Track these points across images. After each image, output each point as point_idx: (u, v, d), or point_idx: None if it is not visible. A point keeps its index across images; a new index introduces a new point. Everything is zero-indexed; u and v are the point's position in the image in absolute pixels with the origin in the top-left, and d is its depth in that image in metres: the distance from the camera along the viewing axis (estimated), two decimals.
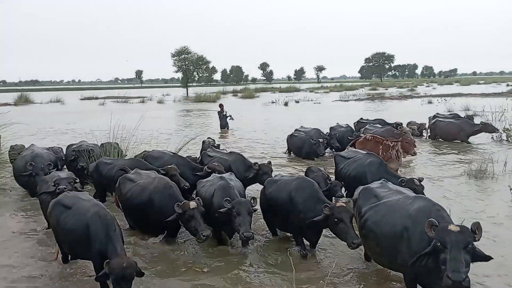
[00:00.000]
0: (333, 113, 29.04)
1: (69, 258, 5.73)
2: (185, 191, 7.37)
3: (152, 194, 6.40)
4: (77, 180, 6.62)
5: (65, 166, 10.48)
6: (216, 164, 8.17)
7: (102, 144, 10.89)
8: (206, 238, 5.59)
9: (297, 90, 75.59)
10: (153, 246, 6.38)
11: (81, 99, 58.82)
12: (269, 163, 8.60)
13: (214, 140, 12.38)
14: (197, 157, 10.95)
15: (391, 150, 10.17)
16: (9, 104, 45.02)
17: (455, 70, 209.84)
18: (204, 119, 28.76)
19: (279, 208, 6.22)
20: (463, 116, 17.42)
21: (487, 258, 4.02)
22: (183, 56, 72.27)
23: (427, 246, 4.14)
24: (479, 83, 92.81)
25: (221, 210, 5.81)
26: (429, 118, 17.50)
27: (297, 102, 45.10)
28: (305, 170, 8.82)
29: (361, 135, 12.57)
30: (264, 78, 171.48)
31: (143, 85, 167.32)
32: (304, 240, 6.09)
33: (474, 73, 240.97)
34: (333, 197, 7.37)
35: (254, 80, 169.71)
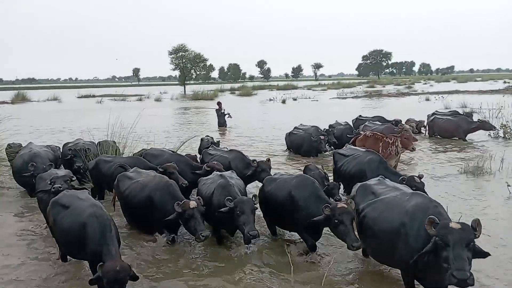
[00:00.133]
0: (330, 110, 29.06)
1: (67, 257, 5.72)
2: (185, 190, 7.34)
3: (152, 192, 6.36)
4: (74, 178, 6.57)
5: (62, 165, 10.44)
6: (215, 162, 8.14)
7: (99, 142, 10.86)
8: (205, 238, 5.54)
9: (295, 87, 75.51)
10: (152, 247, 6.28)
11: (78, 97, 58.55)
12: (268, 160, 8.58)
13: (212, 137, 12.37)
14: (196, 155, 10.95)
15: (391, 147, 10.17)
16: (6, 102, 44.85)
17: (452, 67, 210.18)
18: (201, 117, 28.71)
19: (279, 207, 6.16)
20: (462, 113, 17.45)
21: (485, 255, 4.02)
22: (180, 53, 72.01)
23: (424, 242, 4.15)
24: (476, 80, 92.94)
25: (222, 209, 5.75)
26: (427, 115, 17.53)
27: (295, 99, 45.06)
28: (303, 168, 8.81)
29: (361, 132, 12.56)
30: (262, 76, 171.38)
31: (140, 83, 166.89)
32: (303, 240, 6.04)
33: (471, 71, 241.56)
34: (331, 199, 7.33)
35: (251, 78, 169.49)
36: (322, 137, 12.99)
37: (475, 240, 3.92)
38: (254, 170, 8.28)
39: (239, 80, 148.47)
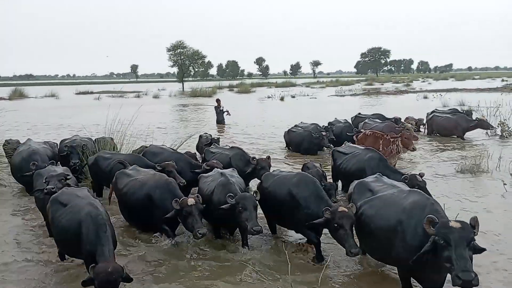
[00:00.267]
0: (329, 108, 29.04)
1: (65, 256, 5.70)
2: (183, 188, 7.29)
3: (151, 189, 6.31)
4: (69, 177, 6.48)
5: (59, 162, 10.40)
6: (215, 161, 8.10)
7: (96, 139, 10.83)
8: (202, 236, 5.51)
9: (293, 85, 75.44)
10: (150, 247, 6.19)
11: (76, 94, 58.37)
12: (268, 158, 8.52)
13: (211, 135, 12.33)
14: (195, 152, 10.94)
15: (392, 145, 10.13)
16: (4, 99, 44.67)
17: (451, 65, 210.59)
18: (200, 114, 28.67)
19: (278, 204, 6.08)
20: (461, 112, 17.44)
21: (481, 250, 4.02)
22: (178, 50, 71.82)
23: (422, 240, 4.15)
24: (474, 78, 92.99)
25: (224, 206, 5.70)
26: (427, 113, 17.53)
27: (293, 97, 45.02)
28: (301, 166, 8.79)
29: (361, 130, 12.52)
30: (260, 73, 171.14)
31: (138, 79, 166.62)
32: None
33: (469, 68, 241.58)
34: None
35: (250, 75, 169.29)
36: (323, 133, 12.99)
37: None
38: (253, 167, 8.22)
39: (238, 77, 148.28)
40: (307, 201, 5.68)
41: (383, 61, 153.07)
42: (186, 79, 76.75)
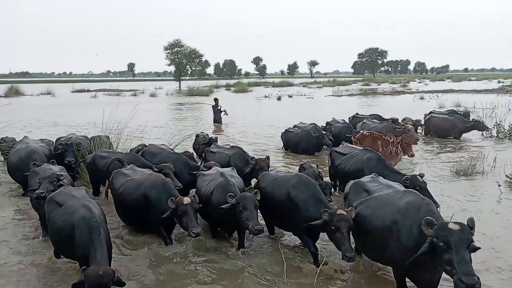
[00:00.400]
0: (326, 108, 29.07)
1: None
2: (183, 190, 7.21)
3: (147, 189, 6.27)
4: (62, 178, 6.39)
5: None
6: (212, 163, 8.06)
7: (92, 137, 10.78)
8: (196, 235, 5.47)
9: (290, 84, 75.54)
10: (148, 252, 6.06)
11: (72, 92, 58.13)
12: (267, 158, 8.45)
13: (207, 134, 12.30)
14: (192, 152, 10.91)
15: (391, 146, 10.09)
16: None
17: (447, 66, 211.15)
18: (196, 112, 28.64)
19: (276, 205, 5.99)
20: (459, 113, 17.49)
21: (475, 249, 4.01)
22: (175, 49, 71.74)
23: (417, 240, 4.17)
24: (470, 80, 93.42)
25: (224, 206, 5.65)
26: (424, 114, 17.57)
27: (290, 96, 45.07)
28: (299, 166, 8.75)
29: (360, 131, 12.50)
30: (257, 73, 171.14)
31: (135, 78, 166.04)
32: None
33: (466, 70, 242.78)
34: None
35: (247, 74, 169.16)
36: (323, 132, 13.00)
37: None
38: (252, 167, 8.16)
39: (235, 77, 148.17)
40: (306, 204, 5.60)
41: (380, 62, 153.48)
42: (183, 78, 76.59)
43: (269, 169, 8.03)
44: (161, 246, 6.14)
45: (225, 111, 21.48)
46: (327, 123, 14.90)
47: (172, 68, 77.47)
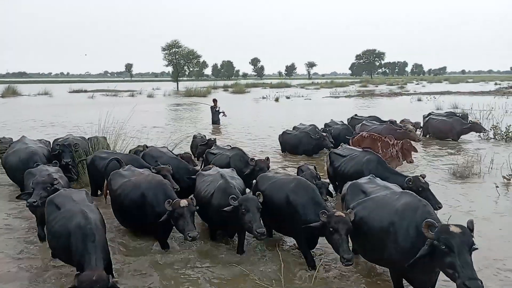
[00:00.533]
0: (324, 109, 29.13)
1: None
2: (183, 193, 7.16)
3: (145, 191, 6.20)
4: (55, 183, 6.24)
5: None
6: (211, 166, 8.04)
7: (89, 138, 10.74)
8: (192, 239, 5.37)
9: (288, 86, 75.57)
10: (146, 257, 5.97)
11: (69, 92, 58.02)
12: (267, 159, 8.39)
13: (205, 135, 12.27)
14: (191, 154, 10.88)
15: (391, 148, 10.04)
16: None
17: (445, 68, 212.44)
18: (194, 113, 28.60)
19: (275, 208, 5.89)
20: (457, 115, 17.52)
21: (474, 250, 3.99)
22: (173, 50, 71.76)
23: (414, 241, 4.17)
24: (467, 82, 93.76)
25: (226, 208, 5.56)
26: (423, 116, 17.60)
27: (288, 98, 45.10)
28: (296, 167, 8.74)
29: (360, 132, 12.44)
30: (255, 74, 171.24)
31: (133, 78, 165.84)
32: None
33: (463, 72, 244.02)
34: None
35: (245, 76, 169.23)
36: (324, 133, 12.96)
37: None
38: (252, 168, 8.09)
39: (232, 78, 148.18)
40: (305, 208, 5.52)
41: (377, 63, 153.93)
42: (181, 78, 76.60)
43: (269, 170, 7.98)
44: (161, 252, 6.08)
45: (223, 112, 21.43)
46: (326, 125, 14.82)
47: (170, 69, 77.53)
